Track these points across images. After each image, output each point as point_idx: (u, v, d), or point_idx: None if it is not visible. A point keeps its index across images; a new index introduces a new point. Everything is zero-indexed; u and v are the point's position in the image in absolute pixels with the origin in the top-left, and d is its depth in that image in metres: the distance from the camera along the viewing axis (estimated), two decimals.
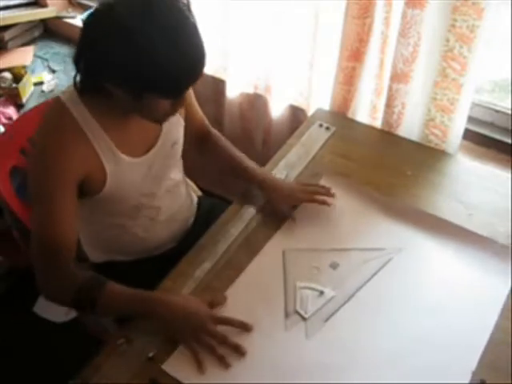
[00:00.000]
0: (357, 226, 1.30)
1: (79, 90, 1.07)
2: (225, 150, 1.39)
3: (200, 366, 1.03)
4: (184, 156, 1.34)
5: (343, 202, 1.34)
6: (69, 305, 1.08)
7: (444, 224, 1.28)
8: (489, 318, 1.11)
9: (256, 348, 1.06)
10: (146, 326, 1.09)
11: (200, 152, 1.43)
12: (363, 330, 1.10)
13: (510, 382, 1.01)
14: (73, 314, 1.84)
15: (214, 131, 1.42)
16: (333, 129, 1.55)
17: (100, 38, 0.96)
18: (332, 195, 1.33)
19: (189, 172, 1.42)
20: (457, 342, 1.07)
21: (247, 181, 1.36)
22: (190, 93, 1.31)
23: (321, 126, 1.57)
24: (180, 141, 1.28)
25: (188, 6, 0.99)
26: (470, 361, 1.04)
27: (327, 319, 1.11)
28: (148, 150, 1.20)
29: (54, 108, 1.10)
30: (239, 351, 1.04)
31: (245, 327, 1.08)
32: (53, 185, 1.05)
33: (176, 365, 1.04)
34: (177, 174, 1.33)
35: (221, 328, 1.06)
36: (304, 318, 1.11)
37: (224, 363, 1.03)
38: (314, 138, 1.52)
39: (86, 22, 1.00)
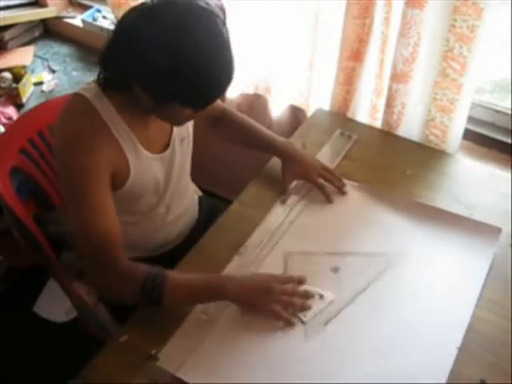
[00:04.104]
0: (360, 229, 1.29)
1: (104, 87, 1.08)
2: (243, 124, 1.41)
3: (289, 323, 1.08)
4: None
5: (348, 205, 1.34)
6: (137, 301, 1.07)
7: (446, 216, 1.29)
8: (471, 296, 1.13)
9: (255, 351, 1.06)
10: (147, 326, 1.09)
11: (216, 133, 1.45)
12: (363, 334, 1.09)
13: (510, 382, 1.01)
14: (73, 313, 1.85)
15: (227, 108, 1.43)
16: (354, 137, 1.54)
17: (140, 42, 0.95)
18: (343, 193, 1.35)
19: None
20: (443, 321, 1.10)
21: (267, 151, 1.40)
22: None
23: (342, 134, 1.55)
24: (189, 137, 1.30)
25: (223, 21, 0.99)
26: (456, 338, 1.06)
27: (327, 323, 1.10)
28: (163, 147, 1.22)
29: (78, 105, 1.09)
30: (308, 297, 1.11)
31: (300, 280, 1.13)
32: (88, 182, 1.05)
33: (169, 358, 1.04)
34: (186, 173, 1.35)
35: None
36: (303, 322, 1.10)
37: (292, 319, 1.08)
38: (336, 148, 1.50)
39: (125, 20, 1.00)
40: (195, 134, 1.35)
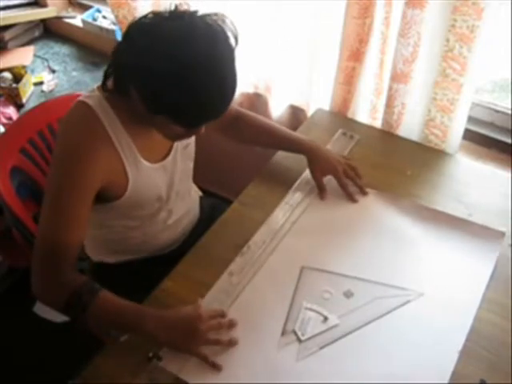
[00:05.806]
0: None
1: (107, 93, 1.06)
2: (261, 126, 1.40)
3: (215, 367, 1.02)
4: None
5: (351, 206, 1.34)
6: (60, 308, 1.03)
7: (449, 220, 1.27)
8: (473, 300, 1.13)
9: (244, 358, 1.04)
10: None
11: (231, 136, 1.44)
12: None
13: (510, 382, 1.01)
14: None
15: (241, 110, 1.42)
16: (356, 137, 1.53)
17: (141, 49, 0.94)
18: (365, 193, 1.35)
19: None
20: (445, 326, 1.09)
21: (291, 150, 1.40)
22: None
23: (344, 134, 1.54)
24: (192, 143, 1.29)
25: (227, 40, 0.97)
26: (458, 342, 1.06)
27: (323, 347, 1.06)
28: (165, 155, 1.21)
29: (81, 113, 1.07)
30: (232, 324, 1.07)
31: (231, 323, 1.07)
32: (72, 189, 1.04)
33: (171, 358, 1.03)
34: (189, 176, 1.34)
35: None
36: (299, 340, 1.07)
37: (233, 343, 1.05)
38: (338, 147, 1.49)
39: (131, 27, 0.98)
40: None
